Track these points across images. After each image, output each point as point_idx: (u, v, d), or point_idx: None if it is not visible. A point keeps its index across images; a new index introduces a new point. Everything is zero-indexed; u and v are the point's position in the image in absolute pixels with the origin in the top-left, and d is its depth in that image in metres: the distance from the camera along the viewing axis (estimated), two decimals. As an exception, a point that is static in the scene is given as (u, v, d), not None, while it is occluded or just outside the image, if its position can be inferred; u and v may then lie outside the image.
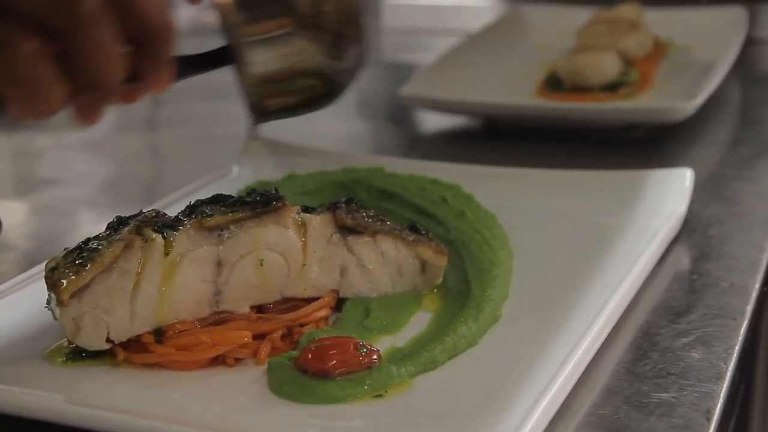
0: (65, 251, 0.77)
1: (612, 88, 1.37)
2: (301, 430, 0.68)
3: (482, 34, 1.73)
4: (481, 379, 0.72)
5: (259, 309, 0.80)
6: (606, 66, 1.37)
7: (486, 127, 1.41)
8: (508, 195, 1.02)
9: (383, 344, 0.77)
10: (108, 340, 0.75)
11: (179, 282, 0.77)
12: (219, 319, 0.79)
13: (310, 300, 0.82)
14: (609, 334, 0.78)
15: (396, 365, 0.73)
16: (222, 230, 0.78)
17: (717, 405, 0.70)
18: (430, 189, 1.02)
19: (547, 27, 1.73)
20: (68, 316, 0.74)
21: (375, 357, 0.74)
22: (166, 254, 0.76)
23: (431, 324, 0.81)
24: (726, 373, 0.74)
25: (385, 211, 0.93)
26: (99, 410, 0.68)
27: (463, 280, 0.86)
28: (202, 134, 1.50)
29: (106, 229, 0.78)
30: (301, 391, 0.71)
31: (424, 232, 0.87)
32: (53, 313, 0.76)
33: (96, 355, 0.76)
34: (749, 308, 0.84)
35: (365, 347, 0.74)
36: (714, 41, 1.55)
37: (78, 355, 0.76)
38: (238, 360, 0.76)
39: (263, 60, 0.73)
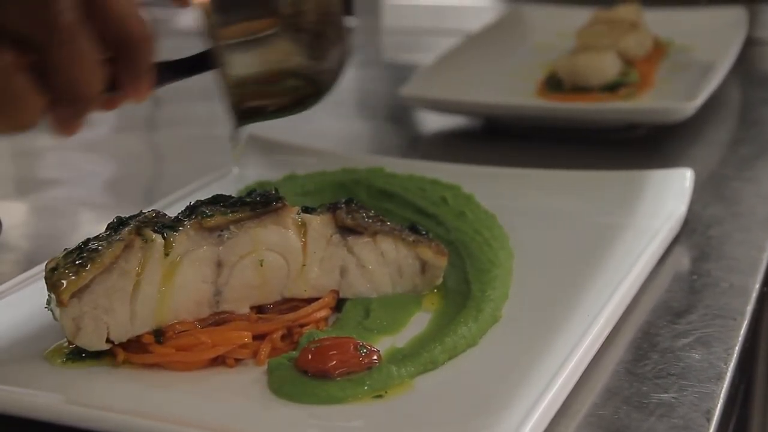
0: (65, 251, 0.77)
1: (612, 88, 1.37)
2: (301, 430, 0.68)
3: (482, 34, 1.73)
4: (481, 379, 0.72)
5: (259, 309, 0.80)
6: (606, 66, 1.37)
7: (486, 127, 1.41)
8: (508, 195, 1.02)
9: (383, 344, 0.77)
10: (108, 340, 0.75)
11: (179, 282, 0.77)
12: (219, 319, 0.79)
13: (310, 300, 0.82)
14: (609, 335, 0.78)
15: (396, 365, 0.73)
16: (222, 231, 0.78)
17: (717, 405, 0.70)
18: (430, 189, 1.02)
19: (547, 27, 1.73)
20: (68, 317, 0.74)
21: (375, 357, 0.74)
22: (166, 255, 0.76)
23: (431, 324, 0.81)
24: (726, 373, 0.74)
25: (385, 211, 0.93)
26: (99, 410, 0.68)
27: (463, 280, 0.86)
28: (202, 134, 1.50)
29: (106, 229, 0.78)
30: (301, 391, 0.71)
31: (424, 232, 0.87)
32: (53, 314, 0.76)
33: (96, 356, 0.76)
34: (749, 308, 0.84)
35: (365, 348, 0.74)
36: (714, 41, 1.55)
37: (78, 355, 0.76)
38: (238, 360, 0.76)
39: (243, 62, 0.73)
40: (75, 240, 0.79)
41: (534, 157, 1.26)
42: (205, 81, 0.78)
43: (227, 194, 0.82)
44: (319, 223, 0.82)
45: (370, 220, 0.84)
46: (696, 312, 0.84)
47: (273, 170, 1.10)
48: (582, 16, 1.60)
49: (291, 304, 0.81)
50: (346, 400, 0.70)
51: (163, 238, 0.76)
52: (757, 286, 0.89)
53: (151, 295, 0.76)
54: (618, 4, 1.60)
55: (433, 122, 1.46)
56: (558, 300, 0.81)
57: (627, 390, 0.72)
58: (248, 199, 0.81)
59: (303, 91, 0.76)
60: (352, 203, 0.85)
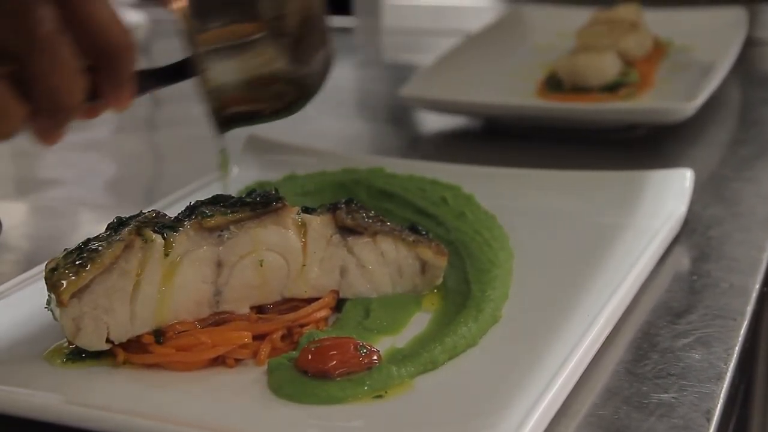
0: (65, 252, 0.77)
1: (612, 88, 1.37)
2: (301, 430, 0.68)
3: (482, 34, 1.73)
4: (481, 379, 0.72)
5: (259, 309, 0.80)
6: (606, 66, 1.37)
7: (486, 127, 1.41)
8: (508, 195, 1.02)
9: (383, 345, 0.77)
10: (108, 340, 0.75)
11: (179, 282, 0.77)
12: (219, 319, 0.79)
13: (310, 300, 0.82)
14: (609, 335, 0.78)
15: (396, 366, 0.73)
16: (222, 231, 0.78)
17: (717, 405, 0.70)
18: (430, 189, 1.02)
19: (547, 27, 1.73)
20: (68, 317, 0.74)
21: (375, 357, 0.74)
22: (166, 255, 0.76)
23: (431, 324, 0.81)
24: (726, 373, 0.74)
25: (385, 211, 0.93)
26: (99, 411, 0.68)
27: (463, 280, 0.86)
28: (202, 134, 1.49)
29: (106, 229, 0.78)
30: (301, 391, 0.71)
31: (424, 232, 0.87)
32: (53, 314, 0.76)
33: (96, 356, 0.76)
34: (749, 309, 0.84)
35: (365, 348, 0.74)
36: (714, 41, 1.55)
37: (78, 355, 0.76)
38: (238, 360, 0.76)
39: (224, 68, 0.72)
40: (75, 240, 0.79)
41: (534, 157, 1.26)
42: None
43: (227, 194, 0.82)
44: (319, 223, 0.82)
45: (370, 221, 0.84)
46: (696, 312, 0.84)
47: (273, 170, 1.10)
48: (582, 16, 1.60)
49: (291, 304, 0.81)
50: (346, 400, 0.70)
51: (163, 238, 0.76)
52: (757, 286, 0.89)
53: (151, 295, 0.76)
54: (618, 4, 1.60)
55: (433, 122, 1.46)
56: (558, 300, 0.81)
57: (627, 390, 0.72)
58: (248, 199, 0.81)
59: (288, 95, 0.76)
60: (352, 203, 0.85)
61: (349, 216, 0.83)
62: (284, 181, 1.07)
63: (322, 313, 0.81)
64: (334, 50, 0.77)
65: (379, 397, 0.70)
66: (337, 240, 0.83)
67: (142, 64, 0.71)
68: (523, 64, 1.58)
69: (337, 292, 0.83)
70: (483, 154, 1.24)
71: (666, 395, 0.71)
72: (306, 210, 0.83)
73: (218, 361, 0.76)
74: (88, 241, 0.77)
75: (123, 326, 0.75)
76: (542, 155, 1.28)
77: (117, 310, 0.75)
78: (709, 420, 0.68)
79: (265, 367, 0.75)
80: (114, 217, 0.79)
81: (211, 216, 0.78)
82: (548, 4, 1.89)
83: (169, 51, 0.73)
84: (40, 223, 1.21)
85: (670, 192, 1.00)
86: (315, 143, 1.23)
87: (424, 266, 0.85)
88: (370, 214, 0.85)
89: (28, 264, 0.94)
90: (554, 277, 0.86)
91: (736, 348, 0.78)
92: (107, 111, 0.71)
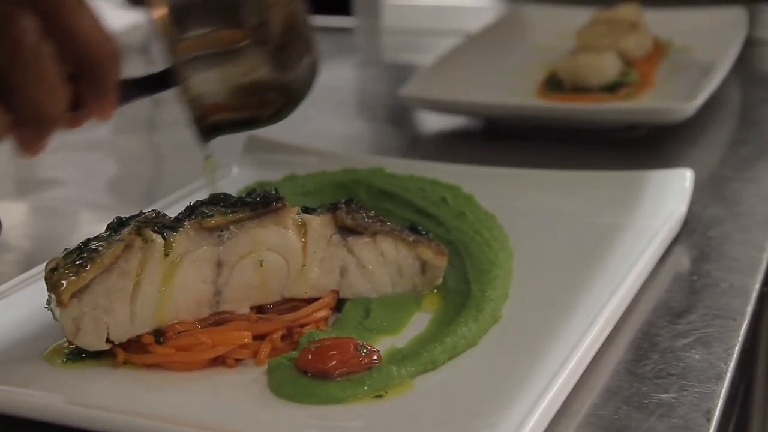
0: (65, 252, 0.77)
1: (612, 88, 1.37)
2: (301, 430, 0.68)
3: (482, 34, 1.73)
4: (481, 379, 0.72)
5: (259, 309, 0.80)
6: (606, 66, 1.37)
7: (486, 127, 1.41)
8: (508, 195, 1.02)
9: (383, 345, 0.77)
10: (108, 340, 0.75)
11: (179, 282, 0.77)
12: (219, 319, 0.78)
13: (310, 300, 0.82)
14: (609, 335, 0.78)
15: (396, 366, 0.73)
16: (222, 231, 0.78)
17: (717, 405, 0.70)
18: (430, 189, 1.02)
19: (546, 27, 1.73)
20: (68, 317, 0.74)
21: (375, 357, 0.74)
22: (166, 255, 0.76)
23: (431, 324, 0.81)
24: (726, 373, 0.74)
25: (385, 211, 0.93)
26: (99, 411, 0.68)
27: (463, 280, 0.86)
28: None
29: (106, 229, 0.78)
30: (301, 391, 0.71)
31: (424, 232, 0.87)
32: (53, 314, 0.76)
33: (96, 356, 0.76)
34: (749, 309, 0.84)
35: (365, 348, 0.74)
36: (714, 41, 1.55)
37: (78, 355, 0.76)
38: (238, 360, 0.76)
39: (206, 76, 0.72)
40: (75, 240, 0.79)
41: (534, 157, 1.26)
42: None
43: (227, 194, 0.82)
44: (319, 223, 0.82)
45: (370, 221, 0.84)
46: (696, 312, 0.84)
47: (273, 170, 1.10)
48: (582, 16, 1.60)
49: (291, 304, 0.81)
50: (346, 400, 0.70)
51: (163, 238, 0.76)
52: (757, 286, 0.89)
53: (151, 296, 0.76)
54: (618, 4, 1.60)
55: (433, 122, 1.46)
56: (558, 300, 0.81)
57: (627, 390, 0.72)
58: (248, 199, 0.81)
59: (273, 102, 0.75)
60: (352, 203, 0.85)
61: (349, 216, 0.83)
62: (284, 181, 1.07)
63: (322, 313, 0.81)
64: (319, 56, 0.76)
65: (379, 397, 0.70)
66: (337, 240, 0.83)
67: (141, 64, 0.70)
68: (523, 64, 1.58)
69: (337, 292, 0.83)
70: (483, 154, 1.24)
71: (666, 395, 0.71)
72: (306, 210, 0.83)
73: (218, 361, 0.76)
74: (88, 241, 0.77)
75: (123, 326, 0.75)
76: (542, 155, 1.28)
77: (117, 310, 0.75)
78: (709, 420, 0.68)
79: (265, 367, 0.75)
80: (114, 217, 0.79)
81: (211, 216, 0.78)
82: (548, 4, 1.89)
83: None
84: (40, 223, 1.21)
85: (670, 192, 1.00)
86: (315, 143, 1.23)
87: (424, 266, 0.85)
88: (370, 214, 0.85)
89: (28, 264, 0.94)
90: (554, 277, 0.86)
91: (736, 348, 0.78)
92: (90, 120, 0.70)
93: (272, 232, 0.80)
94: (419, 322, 0.81)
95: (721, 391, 0.72)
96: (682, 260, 0.95)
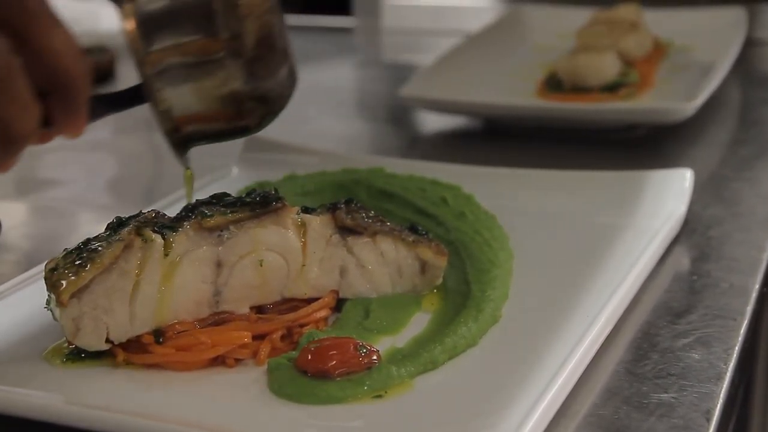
0: (65, 252, 0.77)
1: (612, 88, 1.37)
2: (301, 430, 0.68)
3: (482, 34, 1.73)
4: (481, 379, 0.72)
5: (259, 309, 0.80)
6: (606, 66, 1.37)
7: (486, 127, 1.41)
8: (507, 195, 1.02)
9: (383, 345, 0.77)
10: (107, 340, 0.75)
11: (179, 282, 0.77)
12: (219, 319, 0.78)
13: (309, 300, 0.82)
14: (609, 335, 0.78)
15: (396, 366, 0.73)
16: (222, 231, 0.78)
17: (717, 405, 0.70)
18: (430, 189, 1.02)
19: (546, 27, 1.73)
20: (68, 317, 0.74)
21: (375, 357, 0.73)
22: (166, 255, 0.76)
23: (431, 324, 0.81)
24: (726, 373, 0.74)
25: (385, 211, 0.93)
26: (99, 411, 0.68)
27: (463, 280, 0.86)
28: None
29: (106, 229, 0.78)
30: (300, 391, 0.71)
31: (423, 232, 0.87)
32: (53, 314, 0.76)
33: (95, 356, 0.76)
34: (749, 309, 0.84)
35: (365, 348, 0.74)
36: (714, 41, 1.55)
37: (77, 355, 0.76)
38: (237, 360, 0.76)
39: (177, 89, 0.71)
40: (75, 240, 0.79)
41: (534, 157, 1.26)
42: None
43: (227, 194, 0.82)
44: (318, 223, 0.82)
45: (370, 221, 0.84)
46: (696, 312, 0.84)
47: (273, 170, 1.10)
48: (582, 16, 1.60)
49: (291, 304, 0.81)
50: (346, 400, 0.70)
51: (163, 238, 0.76)
52: (757, 286, 0.89)
53: (150, 296, 0.76)
54: (618, 4, 1.60)
55: (433, 122, 1.46)
56: (558, 300, 0.81)
57: (627, 390, 0.72)
58: (248, 199, 0.81)
59: (250, 113, 0.74)
60: (352, 203, 0.85)
61: (349, 216, 0.83)
62: (284, 181, 1.07)
63: (322, 313, 0.81)
64: (295, 67, 0.75)
65: (379, 397, 0.70)
66: (337, 240, 0.83)
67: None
68: (523, 64, 1.58)
69: (336, 292, 0.83)
70: (483, 154, 1.24)
71: (666, 395, 0.71)
72: (306, 210, 0.83)
73: (218, 361, 0.76)
74: (87, 241, 0.77)
75: (122, 326, 0.75)
76: (542, 155, 1.28)
77: (116, 310, 0.75)
78: (709, 420, 0.68)
79: (265, 367, 0.74)
80: (114, 217, 0.79)
81: (211, 216, 0.78)
82: (548, 4, 1.89)
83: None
84: (40, 223, 1.21)
85: (670, 192, 1.00)
86: (315, 143, 1.23)
87: (423, 266, 0.85)
88: (370, 214, 0.85)
89: (28, 264, 0.94)
90: (554, 277, 0.86)
91: (736, 348, 0.78)
92: (60, 136, 0.70)
93: (272, 232, 0.80)
94: (419, 322, 0.81)
95: (721, 391, 0.72)
96: (682, 260, 0.95)
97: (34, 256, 1.08)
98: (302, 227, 0.81)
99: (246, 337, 0.76)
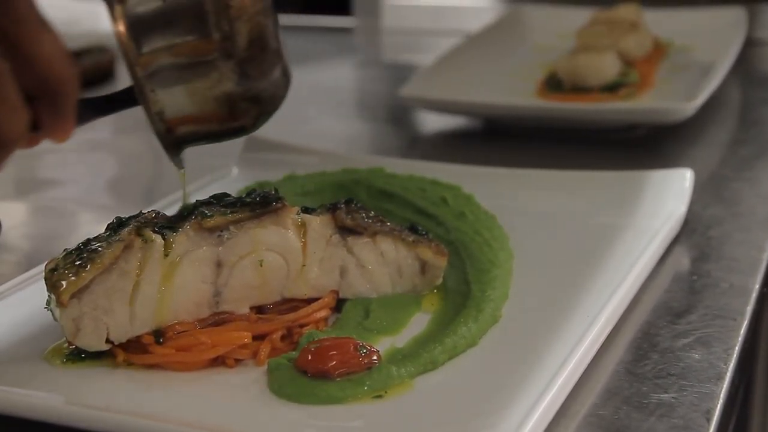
0: (65, 252, 0.77)
1: (612, 88, 1.37)
2: (301, 430, 0.68)
3: (482, 34, 1.73)
4: (481, 379, 0.72)
5: (259, 310, 0.80)
6: (606, 66, 1.37)
7: (486, 127, 1.41)
8: (508, 195, 1.02)
9: (383, 345, 0.77)
10: (108, 340, 0.75)
11: (179, 283, 0.77)
12: (219, 319, 0.78)
13: (309, 301, 0.82)
14: (609, 335, 0.78)
15: (396, 366, 0.73)
16: (222, 231, 0.78)
17: (717, 405, 0.70)
18: (430, 189, 1.02)
19: (546, 27, 1.73)
20: (68, 317, 0.74)
21: (375, 357, 0.74)
22: (166, 255, 0.76)
23: (431, 324, 0.81)
24: (726, 373, 0.74)
25: (385, 211, 0.93)
26: (99, 411, 0.68)
27: (463, 280, 0.86)
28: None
29: (106, 230, 0.78)
30: (300, 391, 0.71)
31: (423, 232, 0.87)
32: (53, 314, 0.76)
33: (96, 356, 0.76)
34: (749, 309, 0.84)
35: (365, 348, 0.74)
36: (714, 41, 1.55)
37: (77, 356, 0.76)
38: (237, 361, 0.76)
39: (169, 91, 0.71)
40: (75, 240, 0.79)
41: (534, 157, 1.26)
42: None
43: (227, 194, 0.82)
44: (318, 223, 0.82)
45: (370, 221, 0.84)
46: (696, 312, 0.84)
47: (273, 170, 1.10)
48: (582, 16, 1.60)
49: (291, 304, 0.81)
50: (346, 400, 0.70)
51: (163, 238, 0.76)
52: (757, 286, 0.89)
53: (150, 296, 0.76)
54: (618, 4, 1.60)
55: (433, 122, 1.46)
56: (558, 300, 0.81)
57: (627, 390, 0.72)
58: (248, 199, 0.81)
59: (246, 112, 0.74)
60: (352, 203, 0.85)
61: (349, 216, 0.83)
62: (284, 181, 1.07)
63: (322, 314, 0.81)
64: (289, 67, 0.75)
65: (379, 397, 0.70)
66: (337, 240, 0.83)
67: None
68: (523, 64, 1.58)
69: (336, 293, 0.83)
70: (483, 154, 1.24)
71: (666, 395, 0.71)
72: (306, 210, 0.83)
73: (218, 361, 0.76)
74: (87, 241, 0.77)
75: (123, 326, 0.75)
76: (542, 155, 1.28)
77: (117, 310, 0.75)
78: (709, 420, 0.68)
79: (265, 367, 0.75)
80: (114, 217, 0.79)
81: (211, 216, 0.78)
82: (548, 4, 1.89)
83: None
84: (40, 223, 1.21)
85: (670, 192, 1.00)
86: (315, 143, 1.23)
87: (423, 266, 0.85)
88: (370, 214, 0.85)
89: (28, 264, 0.94)
90: (554, 277, 0.86)
91: (736, 348, 0.78)
92: (47, 140, 0.70)
93: (272, 232, 0.80)
94: (419, 323, 0.81)
95: (720, 391, 0.72)
96: (682, 260, 0.95)
97: (34, 257, 1.08)
98: (302, 227, 0.81)
99: (246, 338, 0.76)
